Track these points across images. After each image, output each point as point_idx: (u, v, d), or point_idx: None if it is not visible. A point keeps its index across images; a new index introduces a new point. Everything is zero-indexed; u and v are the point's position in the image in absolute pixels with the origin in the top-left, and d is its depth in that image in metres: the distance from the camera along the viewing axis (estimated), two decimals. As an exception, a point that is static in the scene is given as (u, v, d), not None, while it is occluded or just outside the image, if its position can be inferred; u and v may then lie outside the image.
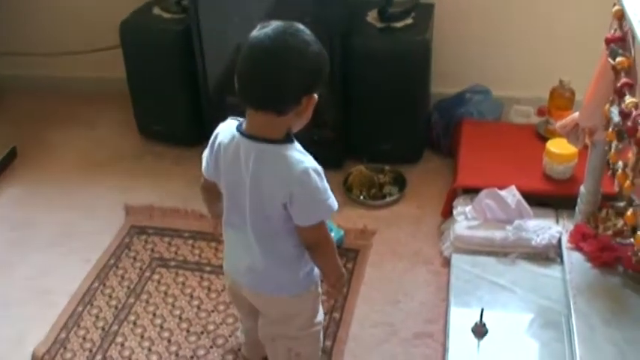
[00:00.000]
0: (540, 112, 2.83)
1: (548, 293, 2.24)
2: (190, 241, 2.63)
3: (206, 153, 1.78)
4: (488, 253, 2.41)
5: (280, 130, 1.60)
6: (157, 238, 2.65)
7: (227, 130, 1.69)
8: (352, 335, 2.23)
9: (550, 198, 2.50)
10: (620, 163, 1.89)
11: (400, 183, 2.82)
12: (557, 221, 2.45)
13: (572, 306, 2.12)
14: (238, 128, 1.64)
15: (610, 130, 1.96)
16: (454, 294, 2.27)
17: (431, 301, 2.33)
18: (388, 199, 2.76)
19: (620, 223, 2.27)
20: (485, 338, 2.12)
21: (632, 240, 2.22)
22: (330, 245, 1.75)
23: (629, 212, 1.76)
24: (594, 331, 2.04)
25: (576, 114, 2.22)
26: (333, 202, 1.65)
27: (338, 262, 1.78)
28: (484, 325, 2.13)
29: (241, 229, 1.71)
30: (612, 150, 1.93)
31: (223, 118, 3.17)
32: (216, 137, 1.72)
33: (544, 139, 2.66)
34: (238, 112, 2.89)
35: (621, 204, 2.31)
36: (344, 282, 1.87)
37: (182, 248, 2.59)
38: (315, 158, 1.64)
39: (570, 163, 2.48)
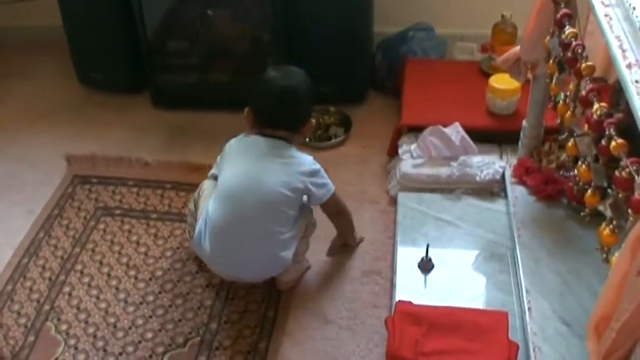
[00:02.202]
0: (484, 49, 2.83)
1: (493, 227, 2.28)
2: (135, 189, 2.58)
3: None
4: (434, 190, 2.43)
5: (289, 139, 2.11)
6: (101, 187, 2.60)
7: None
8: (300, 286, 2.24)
9: (494, 133, 2.52)
10: (562, 95, 1.91)
11: (346, 124, 2.81)
12: (501, 157, 2.48)
13: (516, 239, 2.16)
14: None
15: (551, 62, 1.98)
16: (400, 231, 2.29)
17: (379, 240, 2.35)
18: (334, 140, 2.75)
19: (563, 155, 2.30)
20: (432, 273, 2.15)
21: (575, 171, 2.28)
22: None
23: (570, 143, 1.79)
24: (539, 263, 2.08)
25: (517, 48, 2.22)
26: None
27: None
28: (430, 260, 2.16)
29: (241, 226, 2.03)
30: (553, 82, 1.95)
31: (165, 65, 3.09)
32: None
33: (487, 76, 2.66)
34: (180, 58, 2.87)
35: (563, 136, 2.35)
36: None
37: (127, 196, 2.55)
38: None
39: (513, 98, 2.49)
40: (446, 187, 2.42)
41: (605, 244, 1.46)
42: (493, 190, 2.40)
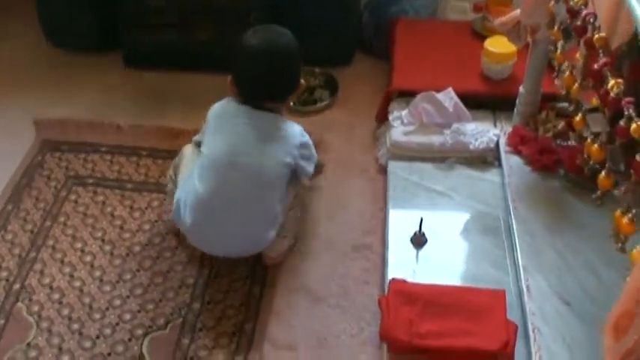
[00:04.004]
0: (477, 8, 2.69)
1: (487, 199, 2.18)
2: (108, 157, 2.44)
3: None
4: (425, 159, 2.31)
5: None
6: (72, 155, 2.44)
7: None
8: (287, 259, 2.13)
9: (488, 99, 2.40)
10: (567, 64, 1.79)
11: (331, 87, 2.67)
12: (495, 124, 2.36)
13: (512, 212, 2.07)
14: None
15: (555, 28, 1.86)
16: (391, 203, 2.19)
17: (368, 211, 2.25)
18: (319, 104, 2.62)
19: (560, 124, 2.20)
20: (425, 248, 2.06)
21: (572, 142, 2.18)
22: None
23: (579, 117, 1.68)
24: (535, 238, 1.99)
25: (517, 11, 2.09)
26: None
27: None
28: (423, 234, 2.06)
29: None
30: (558, 50, 1.83)
31: (138, 20, 2.82)
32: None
33: (481, 37, 2.53)
34: (156, 13, 2.67)
35: (562, 105, 2.25)
36: None
37: (99, 164, 2.41)
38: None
39: (509, 62, 2.37)
40: (438, 156, 2.31)
41: (622, 233, 1.36)
42: (487, 159, 2.29)
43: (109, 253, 2.12)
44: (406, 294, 1.85)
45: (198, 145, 2.04)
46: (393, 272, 1.97)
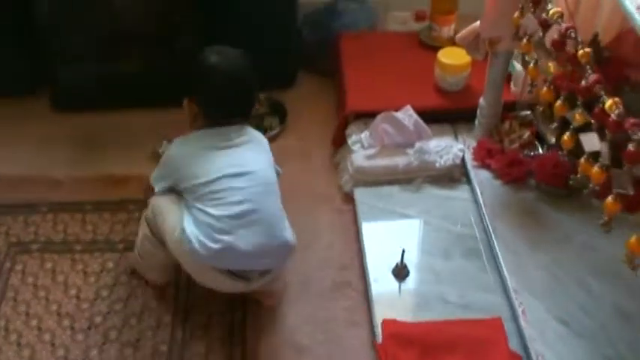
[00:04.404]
0: (419, 17, 2.62)
1: (462, 218, 2.11)
2: (50, 216, 2.22)
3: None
4: (391, 182, 2.23)
5: None
6: (9, 217, 2.22)
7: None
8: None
9: (446, 113, 2.33)
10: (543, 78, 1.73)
11: (279, 112, 2.54)
12: (456, 137, 2.30)
13: (491, 232, 2.01)
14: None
15: (524, 41, 1.79)
16: (365, 235, 2.08)
17: (340, 245, 2.13)
18: (270, 133, 2.47)
19: (526, 134, 2.15)
20: (407, 279, 1.97)
21: (540, 151, 2.14)
22: None
23: (566, 136, 1.61)
24: (520, 257, 1.94)
25: (476, 24, 2.02)
26: None
27: None
28: (405, 265, 1.97)
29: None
30: (531, 65, 1.76)
31: (61, 59, 2.50)
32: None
33: (430, 48, 2.47)
34: (78, 49, 2.46)
35: (524, 113, 2.20)
36: None
37: (42, 226, 2.19)
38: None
39: (464, 74, 2.30)
40: (403, 178, 2.22)
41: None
42: (454, 175, 2.22)
43: (69, 327, 1.92)
44: (402, 337, 1.76)
45: (172, 190, 1.89)
46: (380, 310, 1.88)
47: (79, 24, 2.46)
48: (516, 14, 1.80)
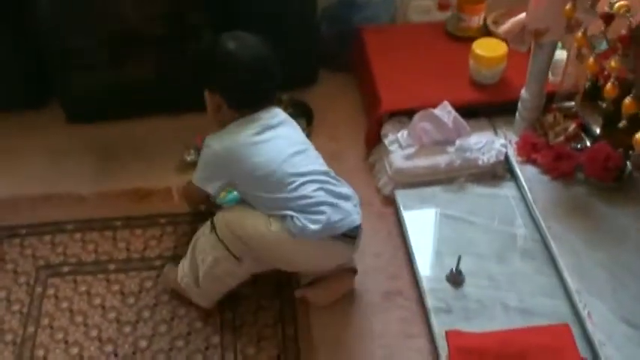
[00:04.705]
0: (442, 6, 2.52)
1: (510, 217, 2.04)
2: (78, 235, 2.12)
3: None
4: (431, 182, 2.15)
5: None
6: (34, 239, 2.11)
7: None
8: (315, 312, 1.91)
9: (483, 107, 2.25)
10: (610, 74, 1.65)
11: (305, 114, 2.44)
12: (496, 132, 2.22)
13: (546, 232, 1.94)
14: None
15: (579, 34, 1.71)
16: (413, 240, 2.00)
17: (387, 251, 2.05)
18: (298, 134, 2.38)
19: (571, 126, 2.08)
20: (463, 285, 1.90)
21: (588, 144, 2.07)
22: None
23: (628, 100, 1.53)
24: (579, 257, 1.87)
25: (522, 16, 1.94)
26: None
27: None
28: (460, 272, 1.90)
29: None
30: (590, 59, 1.68)
31: (74, 68, 2.44)
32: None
33: (458, 39, 2.38)
34: (88, 57, 2.33)
35: (567, 104, 2.13)
36: None
37: (71, 246, 2.09)
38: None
39: (500, 66, 2.22)
40: (444, 177, 2.14)
41: None
42: (497, 172, 2.15)
43: (113, 354, 1.83)
44: (471, 350, 1.69)
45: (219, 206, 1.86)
46: (438, 320, 1.81)
47: (87, 29, 2.33)
48: (568, 6, 1.72)
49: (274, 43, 2.34)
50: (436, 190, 2.13)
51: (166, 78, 2.44)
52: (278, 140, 1.74)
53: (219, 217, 1.78)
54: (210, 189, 1.79)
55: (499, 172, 2.15)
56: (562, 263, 1.87)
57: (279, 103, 2.43)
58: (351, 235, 1.78)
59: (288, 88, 2.49)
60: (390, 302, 1.94)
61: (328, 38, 2.54)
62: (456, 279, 1.89)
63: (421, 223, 2.05)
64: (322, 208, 1.71)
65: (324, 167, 1.80)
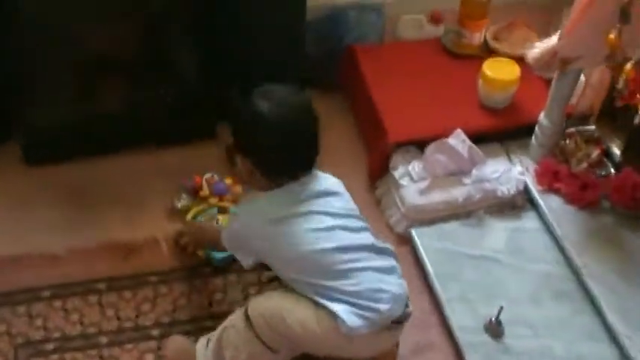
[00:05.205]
0: (434, 19, 2.35)
1: (539, 253, 1.91)
2: (58, 303, 1.83)
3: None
4: (448, 217, 1.99)
5: None
6: (6, 310, 1.81)
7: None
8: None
9: (494, 133, 2.10)
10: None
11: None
12: (509, 158, 2.08)
13: (581, 270, 1.82)
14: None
15: (629, 65, 1.58)
16: (439, 285, 1.84)
17: (410, 297, 1.87)
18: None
19: (594, 152, 1.96)
20: (503, 336, 1.75)
21: (612, 170, 1.97)
22: None
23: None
24: (620, 296, 1.77)
25: (552, 41, 1.79)
26: None
27: None
28: (500, 322, 1.75)
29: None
30: (629, 64, 1.56)
31: (30, 101, 2.11)
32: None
33: (457, 57, 2.22)
34: (44, 86, 2.04)
35: (587, 128, 2.02)
36: None
37: (51, 317, 1.80)
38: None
39: (513, 89, 2.07)
40: (461, 211, 1.99)
41: None
42: (516, 203, 2.01)
43: None
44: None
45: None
46: (484, 378, 1.66)
47: (49, 54, 2.01)
48: (612, 35, 1.59)
49: (262, 64, 2.14)
50: (454, 226, 1.98)
51: (140, 110, 2.18)
52: (315, 216, 1.53)
53: (256, 311, 1.55)
54: (245, 263, 1.61)
55: (518, 203, 2.01)
56: (604, 305, 1.75)
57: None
58: (399, 321, 1.59)
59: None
60: (423, 357, 1.77)
61: (313, 57, 2.33)
62: (495, 330, 1.75)
63: (444, 266, 1.88)
64: (373, 300, 1.50)
65: (369, 238, 1.59)
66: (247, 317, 1.55)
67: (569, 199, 1.95)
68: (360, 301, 1.49)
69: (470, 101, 2.12)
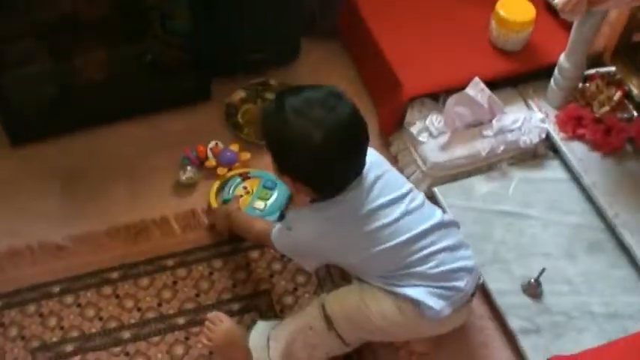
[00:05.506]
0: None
1: (568, 205, 1.86)
2: (70, 298, 1.70)
3: None
4: (469, 171, 1.91)
5: None
6: (15, 312, 1.68)
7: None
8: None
9: (511, 78, 2.00)
10: None
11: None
12: (527, 104, 1.99)
13: (614, 220, 1.77)
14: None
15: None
16: (474, 248, 1.76)
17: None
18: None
19: (616, 94, 1.88)
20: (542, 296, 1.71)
21: (634, 113, 1.90)
22: None
23: None
24: (655, 245, 1.73)
25: (583, -17, 1.67)
26: None
27: None
28: (539, 283, 1.70)
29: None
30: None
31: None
32: None
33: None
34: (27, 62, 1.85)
35: (607, 70, 1.93)
36: None
37: (66, 315, 1.68)
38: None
39: (529, 30, 1.95)
40: (484, 164, 1.91)
41: None
42: (538, 152, 1.94)
43: None
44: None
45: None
46: (529, 344, 1.62)
47: (14, 20, 1.82)
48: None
49: (253, 18, 1.98)
50: (478, 182, 1.90)
51: (123, 73, 2.00)
52: (379, 212, 1.43)
53: (337, 311, 1.48)
54: (309, 267, 1.54)
55: (540, 152, 1.94)
56: (638, 254, 1.71)
57: (268, 91, 2.10)
58: (473, 293, 1.55)
59: (267, 67, 2.14)
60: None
61: (308, 3, 2.16)
62: (535, 291, 1.70)
63: (473, 225, 1.81)
64: (454, 279, 1.47)
65: (434, 215, 1.50)
66: (326, 317, 1.48)
67: (595, 145, 1.88)
68: (442, 283, 1.46)
69: (482, 44, 2.00)
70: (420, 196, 1.52)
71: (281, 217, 1.80)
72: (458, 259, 1.49)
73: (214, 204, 1.84)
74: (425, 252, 1.45)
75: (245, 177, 1.88)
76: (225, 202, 1.82)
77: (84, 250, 1.78)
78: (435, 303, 1.44)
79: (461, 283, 1.48)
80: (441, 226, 1.50)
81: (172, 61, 2.03)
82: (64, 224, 1.82)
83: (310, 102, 1.36)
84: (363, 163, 1.42)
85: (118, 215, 1.84)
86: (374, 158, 1.49)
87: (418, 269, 1.44)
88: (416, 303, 1.44)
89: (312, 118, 1.33)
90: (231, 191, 1.85)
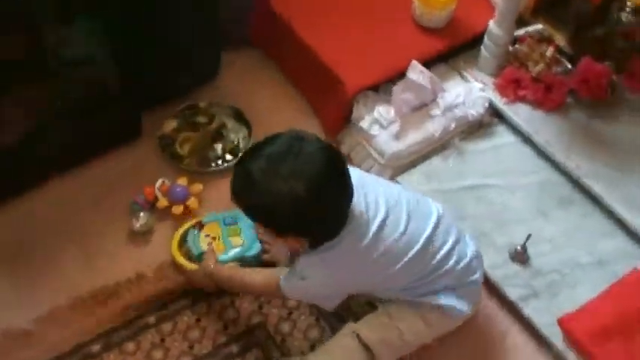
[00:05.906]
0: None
1: (528, 166, 1.89)
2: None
3: None
4: (425, 155, 1.90)
5: None
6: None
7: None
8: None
9: (444, 54, 1.99)
10: None
11: (236, 117, 1.98)
12: (462, 76, 1.99)
13: (576, 172, 1.82)
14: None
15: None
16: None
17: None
18: (242, 146, 1.94)
19: (548, 50, 1.92)
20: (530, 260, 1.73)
21: (569, 65, 1.95)
22: None
23: None
24: (618, 187, 1.79)
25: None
26: None
27: None
28: (526, 248, 1.72)
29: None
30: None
31: None
32: None
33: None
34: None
35: (535, 28, 1.98)
36: None
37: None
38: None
39: (452, 6, 1.95)
40: (437, 144, 1.90)
41: None
42: (484, 121, 1.95)
43: None
44: (597, 330, 1.56)
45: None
46: (531, 309, 1.65)
47: None
48: None
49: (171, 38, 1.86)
50: (436, 163, 1.89)
51: (40, 129, 1.81)
52: (386, 228, 1.38)
53: (376, 342, 1.46)
54: (331, 306, 1.47)
55: (486, 121, 1.96)
56: (607, 200, 1.77)
57: (198, 114, 2.00)
58: None
59: (188, 89, 2.03)
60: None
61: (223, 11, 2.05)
62: (522, 257, 1.72)
63: (443, 207, 1.81)
64: (471, 273, 1.50)
65: (431, 213, 1.47)
66: (364, 346, 1.44)
67: (537, 104, 1.92)
68: (462, 279, 1.48)
69: (409, 27, 1.98)
70: (411, 195, 1.49)
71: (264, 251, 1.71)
72: (466, 249, 1.50)
73: (180, 260, 1.69)
74: (443, 253, 1.44)
75: (200, 226, 1.74)
76: (198, 258, 1.69)
77: (53, 329, 1.61)
78: (461, 305, 1.47)
79: (477, 276, 1.51)
80: (441, 218, 1.48)
81: (88, 100, 1.84)
82: (23, 307, 1.64)
83: (273, 158, 1.27)
84: (352, 187, 1.33)
85: (77, 284, 1.67)
86: (354, 170, 1.44)
87: (446, 267, 1.44)
88: (443, 308, 1.45)
89: (285, 174, 1.24)
90: (195, 246, 1.71)
